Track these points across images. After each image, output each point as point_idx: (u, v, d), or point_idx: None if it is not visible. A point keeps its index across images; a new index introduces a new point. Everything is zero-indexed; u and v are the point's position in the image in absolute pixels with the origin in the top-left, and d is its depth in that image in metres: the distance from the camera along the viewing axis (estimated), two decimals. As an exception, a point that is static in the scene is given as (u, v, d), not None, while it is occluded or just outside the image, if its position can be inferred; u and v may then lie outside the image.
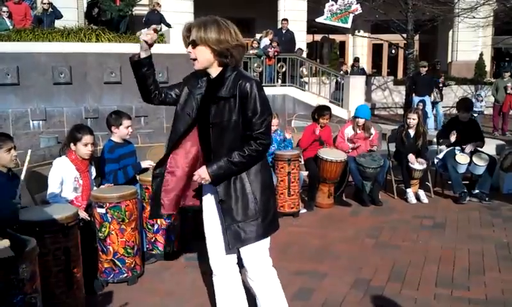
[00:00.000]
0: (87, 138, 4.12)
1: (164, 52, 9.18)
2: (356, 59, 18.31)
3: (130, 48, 8.93)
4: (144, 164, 4.69)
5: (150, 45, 2.72)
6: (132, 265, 3.99)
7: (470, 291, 3.88)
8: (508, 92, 13.17)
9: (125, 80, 8.83)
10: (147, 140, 7.34)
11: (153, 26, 2.63)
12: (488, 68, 20.45)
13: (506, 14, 15.22)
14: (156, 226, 4.44)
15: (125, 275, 3.96)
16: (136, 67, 2.79)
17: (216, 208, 2.85)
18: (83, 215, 3.91)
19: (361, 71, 17.52)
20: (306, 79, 14.38)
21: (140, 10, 15.03)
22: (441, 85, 14.03)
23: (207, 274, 4.20)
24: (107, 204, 3.84)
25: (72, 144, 4.12)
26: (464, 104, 6.94)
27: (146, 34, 2.74)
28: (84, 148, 4.12)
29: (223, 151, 2.62)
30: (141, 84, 2.84)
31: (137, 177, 4.60)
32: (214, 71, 2.73)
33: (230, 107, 2.61)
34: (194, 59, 2.68)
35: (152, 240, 4.47)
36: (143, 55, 2.74)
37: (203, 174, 2.62)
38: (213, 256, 2.96)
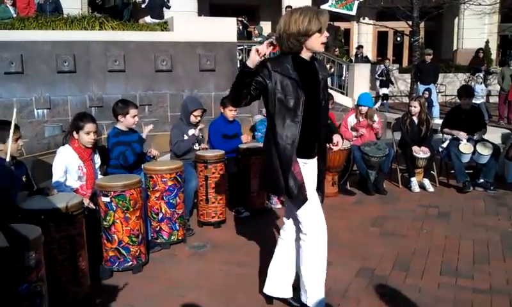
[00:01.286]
0: (89, 126, 4.12)
1: (167, 39, 9.15)
2: (359, 47, 18.18)
3: (134, 36, 8.91)
4: (145, 132, 4.84)
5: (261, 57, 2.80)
6: (137, 254, 4.01)
7: (474, 280, 3.87)
8: (513, 81, 13.06)
9: (129, 69, 8.81)
10: (151, 129, 7.35)
11: (270, 40, 2.60)
12: (493, 56, 20.27)
13: (512, 0, 15.09)
14: (161, 215, 4.46)
15: (130, 263, 3.98)
16: (243, 75, 2.86)
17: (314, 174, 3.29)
18: (88, 204, 3.92)
19: (365, 59, 17.39)
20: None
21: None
22: (483, 72, 13.90)
23: (211, 262, 4.23)
24: (112, 192, 3.85)
25: (74, 133, 4.12)
26: (465, 90, 6.89)
27: (265, 46, 2.76)
28: (86, 136, 4.12)
29: (326, 124, 3.16)
30: (239, 90, 2.91)
31: (142, 166, 4.60)
32: (306, 55, 3.04)
33: (326, 84, 3.15)
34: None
35: (157, 229, 4.49)
36: (253, 65, 2.81)
37: (340, 140, 3.27)
38: (312, 217, 3.15)
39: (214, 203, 5.10)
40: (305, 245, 3.16)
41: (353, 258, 4.30)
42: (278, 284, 3.44)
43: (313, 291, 3.22)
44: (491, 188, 6.40)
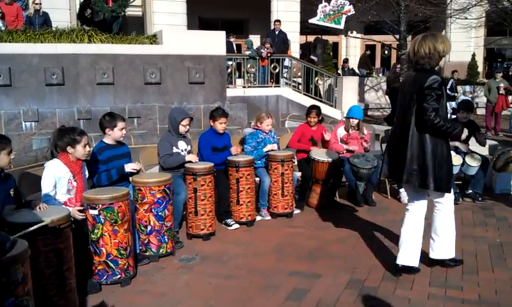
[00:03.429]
0: (86, 139, 4.09)
1: (156, 52, 9.18)
2: (346, 60, 18.37)
3: (123, 49, 8.91)
4: (128, 168, 4.62)
5: None
6: (125, 267, 3.97)
7: (463, 291, 3.88)
8: (500, 92, 13.26)
9: (118, 81, 8.81)
10: (140, 141, 7.34)
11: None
12: (480, 69, 20.55)
13: (498, 15, 15.32)
14: (149, 228, 4.43)
15: (119, 276, 3.94)
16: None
17: None
18: (77, 214, 3.86)
19: (351, 72, 17.58)
20: (299, 80, 14.40)
21: (133, 11, 15.00)
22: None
23: (200, 275, 4.20)
24: (100, 205, 3.82)
25: (69, 148, 4.03)
26: (464, 105, 6.97)
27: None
28: (83, 149, 4.05)
29: None
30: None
31: (130, 178, 4.58)
32: None
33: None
34: None
35: (145, 242, 4.46)
36: None
37: None
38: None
39: (203, 215, 5.08)
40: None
41: (343, 269, 4.30)
42: (411, 253, 4.15)
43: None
44: (480, 199, 6.45)
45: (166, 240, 4.52)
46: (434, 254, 4.34)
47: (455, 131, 3.91)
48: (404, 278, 4.10)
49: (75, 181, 4.05)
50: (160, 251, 4.50)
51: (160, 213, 4.44)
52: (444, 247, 4.28)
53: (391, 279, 4.10)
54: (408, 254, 4.15)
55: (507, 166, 7.04)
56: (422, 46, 3.91)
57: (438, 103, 3.79)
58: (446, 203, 4.20)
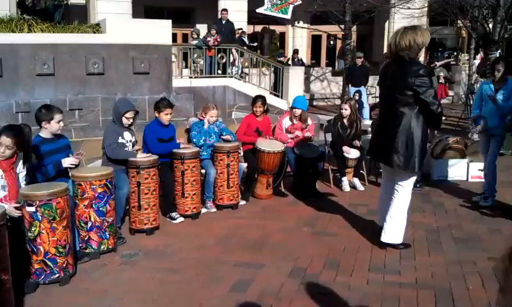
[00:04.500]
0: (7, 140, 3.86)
1: (99, 42, 8.93)
2: (296, 51, 18.53)
3: (65, 38, 8.61)
4: (65, 163, 4.49)
5: None
6: (64, 265, 3.87)
7: (401, 275, 4.04)
8: (440, 81, 13.75)
9: (59, 72, 8.51)
10: (82, 134, 7.14)
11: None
12: (421, 58, 21.21)
13: (439, 5, 15.83)
14: (90, 224, 4.34)
15: (57, 275, 3.84)
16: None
17: None
18: (13, 211, 3.69)
19: (301, 63, 17.76)
20: (246, 70, 14.41)
21: (76, -1, 14.53)
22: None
23: (143, 270, 4.16)
24: (37, 202, 3.70)
25: None
26: None
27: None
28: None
29: None
30: None
31: (69, 173, 4.45)
32: None
33: None
34: None
35: (85, 238, 4.36)
36: None
37: None
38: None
39: (146, 210, 5.01)
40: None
41: (286, 258, 4.37)
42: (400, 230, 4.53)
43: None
44: (417, 186, 6.67)
45: (108, 236, 4.43)
46: (385, 238, 4.51)
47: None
48: (345, 265, 4.22)
49: (6, 178, 3.89)
50: (102, 247, 4.41)
51: (101, 209, 4.35)
52: (396, 231, 4.50)
53: (332, 266, 4.21)
54: (393, 232, 4.51)
55: (444, 153, 7.36)
56: (402, 38, 4.20)
57: (433, 91, 4.17)
58: (407, 186, 4.44)
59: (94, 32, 9.21)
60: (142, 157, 5.10)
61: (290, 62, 17.71)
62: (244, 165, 6.39)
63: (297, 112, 6.66)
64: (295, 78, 13.59)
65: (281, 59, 17.17)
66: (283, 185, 6.68)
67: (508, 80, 5.77)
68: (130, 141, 5.29)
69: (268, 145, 6.24)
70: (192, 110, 9.83)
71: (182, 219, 5.47)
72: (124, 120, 5.24)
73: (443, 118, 12.76)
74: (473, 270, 4.08)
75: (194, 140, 5.95)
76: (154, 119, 5.74)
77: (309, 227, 5.27)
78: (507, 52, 13.02)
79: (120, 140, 5.18)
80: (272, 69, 14.40)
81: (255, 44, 17.44)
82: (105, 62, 8.91)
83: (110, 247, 4.48)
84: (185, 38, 18.82)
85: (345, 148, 6.66)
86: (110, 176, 4.45)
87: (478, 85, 10.54)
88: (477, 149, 7.14)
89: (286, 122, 6.77)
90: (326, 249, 4.58)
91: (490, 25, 11.89)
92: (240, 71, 14.05)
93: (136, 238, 4.97)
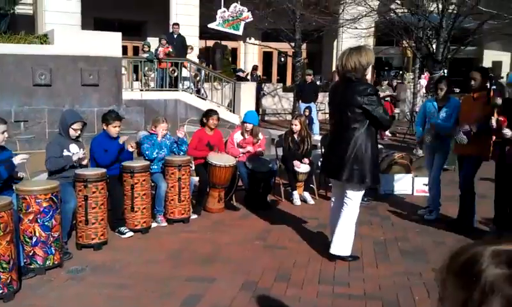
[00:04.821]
0: None
1: (47, 53, 8.70)
2: (255, 67, 18.78)
3: (10, 48, 8.34)
4: (17, 159, 4.36)
5: None
6: (8, 281, 3.71)
7: (350, 287, 4.12)
8: (386, 99, 14.20)
9: (4, 83, 8.22)
10: (27, 146, 6.90)
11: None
12: (369, 76, 21.84)
13: (386, 26, 16.40)
14: (34, 239, 4.18)
15: (1, 291, 3.67)
16: None
17: None
18: None
19: (259, 79, 17.99)
20: (207, 85, 14.38)
21: (23, 9, 14.10)
22: None
23: (91, 286, 4.05)
24: (-22, 216, 3.54)
25: None
26: None
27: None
28: None
29: None
30: None
31: (13, 187, 4.29)
32: None
33: None
34: None
35: (30, 254, 4.19)
36: None
37: None
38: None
39: (94, 224, 4.88)
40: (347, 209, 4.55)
41: (237, 272, 4.36)
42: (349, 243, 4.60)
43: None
44: (365, 199, 6.83)
45: (53, 251, 4.28)
46: (335, 250, 4.58)
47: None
48: (296, 278, 4.25)
49: None
50: (47, 263, 4.26)
51: (46, 223, 4.21)
52: (345, 244, 4.59)
53: (283, 279, 4.23)
54: (342, 245, 4.59)
55: (390, 168, 7.59)
56: (348, 60, 4.37)
57: (381, 107, 4.37)
58: (355, 200, 4.55)
59: (41, 43, 8.98)
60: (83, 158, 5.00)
61: (249, 77, 17.87)
62: (196, 179, 6.35)
63: (249, 126, 6.71)
64: (247, 94, 13.69)
65: (240, 74, 17.25)
66: (235, 199, 6.68)
67: (450, 98, 6.04)
68: (77, 153, 5.16)
69: (220, 159, 6.24)
70: (142, 123, 9.72)
71: (131, 233, 5.36)
72: (71, 132, 5.12)
73: (390, 135, 13.17)
74: (419, 282, 4.20)
75: (146, 152, 5.87)
76: (102, 132, 5.62)
77: (260, 240, 5.29)
78: (450, 71, 13.62)
79: (65, 153, 5.04)
80: (225, 84, 14.45)
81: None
82: (53, 74, 8.69)
83: (56, 262, 4.32)
84: (136, 50, 18.58)
85: (295, 163, 6.76)
86: (56, 189, 4.32)
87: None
88: (421, 165, 7.42)
89: (237, 137, 6.80)
90: (277, 262, 4.60)
91: (434, 46, 12.43)
92: (194, 86, 13.99)
93: (83, 254, 4.82)
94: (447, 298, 1.09)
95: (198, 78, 13.89)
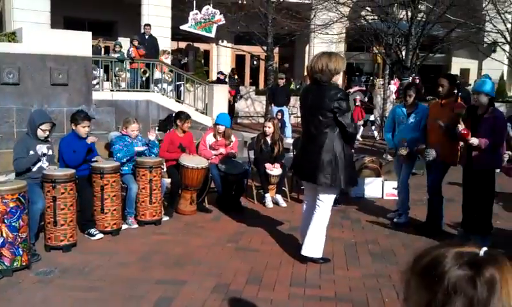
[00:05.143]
0: None
1: (15, 51, 8.50)
2: (233, 71, 18.79)
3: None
4: None
5: None
6: (-28, 284, 3.61)
7: (321, 289, 4.15)
8: (356, 104, 14.38)
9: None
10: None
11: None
12: (340, 82, 22.07)
13: (356, 32, 16.63)
14: (1, 239, 4.08)
15: (-37, 295, 3.57)
16: None
17: None
18: None
19: (237, 82, 18.00)
20: (170, 86, 14.28)
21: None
22: None
23: (59, 288, 3.97)
24: None
25: None
26: None
27: None
28: None
29: None
30: None
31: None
32: None
33: None
34: None
35: (-3, 255, 4.09)
36: None
37: None
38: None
39: (63, 225, 4.79)
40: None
41: (209, 274, 4.35)
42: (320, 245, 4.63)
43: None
44: (337, 203, 6.91)
45: (21, 252, 4.19)
46: (306, 252, 4.61)
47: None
48: (268, 280, 4.26)
49: None
50: (15, 264, 4.16)
51: (14, 224, 4.11)
52: (316, 246, 4.61)
53: (255, 281, 4.24)
54: (313, 247, 4.60)
55: (360, 172, 7.68)
56: (317, 62, 4.40)
57: (349, 114, 4.43)
58: (327, 203, 4.59)
59: (9, 41, 8.78)
60: (58, 171, 4.90)
61: (227, 80, 17.86)
62: (168, 180, 6.30)
63: (221, 128, 6.70)
64: (219, 96, 13.68)
65: (220, 76, 17.19)
66: (207, 201, 6.66)
67: (419, 104, 6.17)
68: (45, 154, 5.06)
69: (192, 161, 6.21)
70: (113, 124, 9.59)
71: (101, 235, 5.28)
72: (40, 132, 5.02)
73: (361, 139, 13.35)
74: (388, 283, 4.27)
75: (118, 155, 5.79)
76: (71, 132, 5.53)
77: (232, 243, 5.29)
78: (420, 78, 13.89)
79: (31, 153, 4.94)
80: (197, 86, 14.40)
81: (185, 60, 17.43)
82: (21, 73, 8.49)
83: (24, 264, 4.23)
84: (106, 50, 18.35)
85: (267, 165, 6.78)
86: (23, 189, 4.23)
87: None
88: (391, 169, 7.54)
89: (210, 139, 6.78)
90: (249, 265, 4.61)
91: (403, 53, 12.67)
92: (174, 89, 13.91)
93: (51, 255, 4.72)
94: (410, 298, 1.13)
95: (171, 81, 13.78)
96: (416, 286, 1.10)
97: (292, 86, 19.46)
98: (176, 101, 13.49)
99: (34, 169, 4.95)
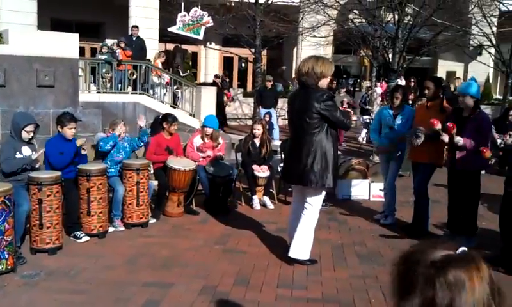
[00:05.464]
0: None
1: (1, 53, 8.41)
2: (226, 74, 18.77)
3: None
4: None
5: None
6: (-45, 288, 3.57)
7: (308, 290, 4.16)
8: (344, 106, 14.45)
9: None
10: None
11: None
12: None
13: (344, 35, 16.72)
14: (-15, 243, 4.03)
15: None
16: None
17: None
18: None
19: (228, 85, 18.00)
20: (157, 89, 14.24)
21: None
22: None
23: (45, 291, 3.94)
24: None
25: None
26: None
27: None
28: None
29: None
30: None
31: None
32: None
33: None
34: None
35: (-19, 259, 4.05)
36: None
37: None
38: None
39: (49, 228, 4.75)
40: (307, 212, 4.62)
41: (196, 276, 4.34)
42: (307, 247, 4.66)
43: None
44: (324, 204, 6.93)
45: (6, 255, 4.15)
46: (293, 253, 4.62)
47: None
48: (255, 282, 4.27)
49: None
50: (0, 267, 4.12)
51: (-1, 227, 4.07)
52: (304, 248, 4.64)
53: (242, 283, 4.24)
54: (300, 249, 4.63)
55: (347, 174, 7.73)
56: (304, 65, 4.46)
57: (338, 111, 4.52)
58: (315, 205, 4.63)
59: (-5, 43, 8.68)
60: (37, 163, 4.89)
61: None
62: (155, 183, 6.28)
63: (209, 130, 6.70)
64: (207, 98, 13.66)
65: (216, 79, 17.16)
66: (195, 203, 6.65)
67: (405, 106, 6.22)
68: (34, 153, 5.03)
69: (179, 163, 6.20)
70: (100, 126, 9.53)
71: (87, 238, 5.24)
72: (24, 134, 5.00)
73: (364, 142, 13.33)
74: (375, 284, 4.30)
75: (101, 143, 5.77)
76: (57, 134, 5.49)
77: (220, 245, 5.28)
78: (406, 80, 13.98)
79: (18, 155, 4.91)
80: (185, 88, 14.36)
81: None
82: (7, 74, 8.40)
83: (9, 267, 4.20)
84: (93, 52, 18.25)
85: (255, 167, 6.79)
86: (8, 192, 4.19)
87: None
88: (377, 171, 7.59)
89: (197, 141, 6.77)
90: (237, 267, 4.61)
91: (390, 55, 12.76)
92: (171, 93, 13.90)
93: (37, 258, 4.68)
94: (394, 291, 1.20)
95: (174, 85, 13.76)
96: (396, 273, 1.20)
97: (291, 88, 19.48)
98: (172, 106, 13.47)
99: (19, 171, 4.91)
